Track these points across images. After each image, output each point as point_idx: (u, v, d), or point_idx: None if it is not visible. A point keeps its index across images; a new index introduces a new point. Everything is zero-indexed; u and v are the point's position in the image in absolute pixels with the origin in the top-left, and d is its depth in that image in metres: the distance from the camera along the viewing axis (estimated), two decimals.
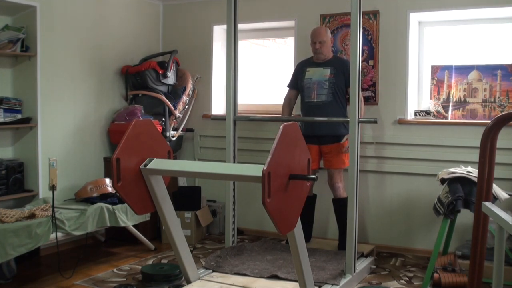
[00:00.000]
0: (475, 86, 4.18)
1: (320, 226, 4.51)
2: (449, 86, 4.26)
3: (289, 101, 4.29)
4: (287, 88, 4.31)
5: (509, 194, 3.43)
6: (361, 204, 4.25)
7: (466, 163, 3.74)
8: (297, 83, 4.22)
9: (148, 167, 2.77)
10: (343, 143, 3.94)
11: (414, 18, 4.27)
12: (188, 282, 3.17)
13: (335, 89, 4.00)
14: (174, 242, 3.01)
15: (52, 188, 3.69)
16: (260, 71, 5.16)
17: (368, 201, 4.41)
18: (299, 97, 4.25)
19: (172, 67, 4.83)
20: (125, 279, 3.63)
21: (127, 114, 4.58)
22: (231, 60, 3.89)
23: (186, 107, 4.99)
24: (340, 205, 3.97)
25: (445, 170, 3.54)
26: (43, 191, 4.06)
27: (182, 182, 4.97)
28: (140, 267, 3.74)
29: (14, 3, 3.83)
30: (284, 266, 3.57)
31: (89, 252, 4.19)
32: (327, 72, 4.04)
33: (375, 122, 3.57)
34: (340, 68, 4.02)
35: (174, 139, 4.82)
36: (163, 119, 4.70)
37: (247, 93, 5.05)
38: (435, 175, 3.72)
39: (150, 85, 4.73)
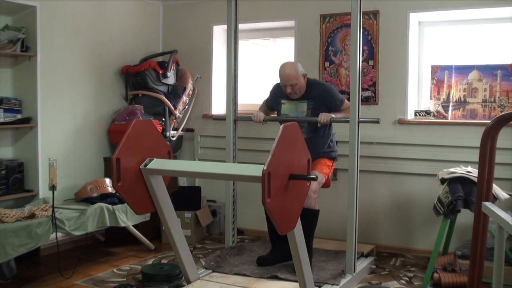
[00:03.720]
0: (475, 86, 4.18)
1: (320, 226, 4.49)
2: (449, 86, 4.26)
3: (265, 111, 3.92)
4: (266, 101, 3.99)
5: (509, 194, 3.43)
6: (361, 204, 4.24)
7: (466, 163, 3.74)
8: (273, 107, 3.92)
9: (148, 167, 2.77)
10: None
11: (414, 18, 4.27)
12: (188, 282, 3.17)
13: (315, 124, 3.59)
14: (174, 242, 3.01)
15: (52, 188, 3.69)
16: (260, 71, 5.16)
17: (368, 201, 4.40)
18: None
19: (172, 67, 4.83)
20: (125, 279, 3.63)
21: (127, 114, 4.58)
22: (231, 60, 3.89)
23: (186, 107, 4.99)
24: (308, 216, 3.45)
25: (445, 170, 3.54)
26: (43, 191, 4.06)
27: (182, 182, 4.97)
28: (140, 267, 3.74)
29: (14, 3, 3.83)
30: (284, 266, 3.56)
31: (89, 252, 4.19)
32: (303, 107, 3.66)
33: (377, 122, 3.48)
34: (319, 98, 3.62)
35: (174, 139, 4.82)
36: (163, 119, 4.70)
37: (247, 93, 5.05)
38: (435, 175, 3.72)
39: (150, 85, 4.73)
